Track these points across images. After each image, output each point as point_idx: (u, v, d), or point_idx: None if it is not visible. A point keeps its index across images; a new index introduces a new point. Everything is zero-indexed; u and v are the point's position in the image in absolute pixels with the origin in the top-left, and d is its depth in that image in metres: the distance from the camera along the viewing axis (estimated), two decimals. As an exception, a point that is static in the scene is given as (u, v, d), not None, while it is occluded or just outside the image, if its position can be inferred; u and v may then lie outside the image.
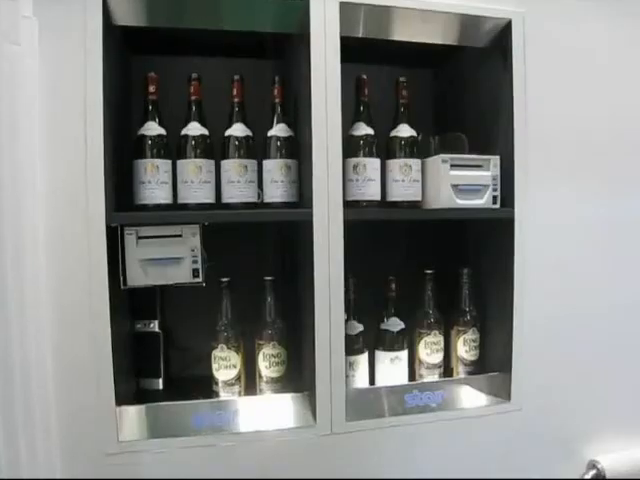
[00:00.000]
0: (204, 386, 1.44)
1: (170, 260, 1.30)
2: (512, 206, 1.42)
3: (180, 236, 1.31)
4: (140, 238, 1.28)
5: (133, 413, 1.30)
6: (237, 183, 1.33)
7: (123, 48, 1.42)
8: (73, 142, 1.18)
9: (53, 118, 1.18)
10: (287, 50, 1.46)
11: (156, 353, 1.52)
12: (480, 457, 1.44)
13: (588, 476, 1.52)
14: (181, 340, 1.58)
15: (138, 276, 1.29)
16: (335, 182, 1.29)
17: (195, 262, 1.31)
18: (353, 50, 1.29)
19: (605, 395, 1.54)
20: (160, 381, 1.52)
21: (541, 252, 1.44)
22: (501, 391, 1.46)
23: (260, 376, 1.43)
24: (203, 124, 1.35)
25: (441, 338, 1.53)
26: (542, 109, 1.42)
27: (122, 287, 1.28)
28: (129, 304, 1.47)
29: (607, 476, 1.51)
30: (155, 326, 1.52)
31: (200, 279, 1.33)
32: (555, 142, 1.45)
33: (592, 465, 1.53)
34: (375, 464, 1.39)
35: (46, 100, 1.17)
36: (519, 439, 1.47)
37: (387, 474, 1.39)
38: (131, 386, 1.47)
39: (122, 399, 1.28)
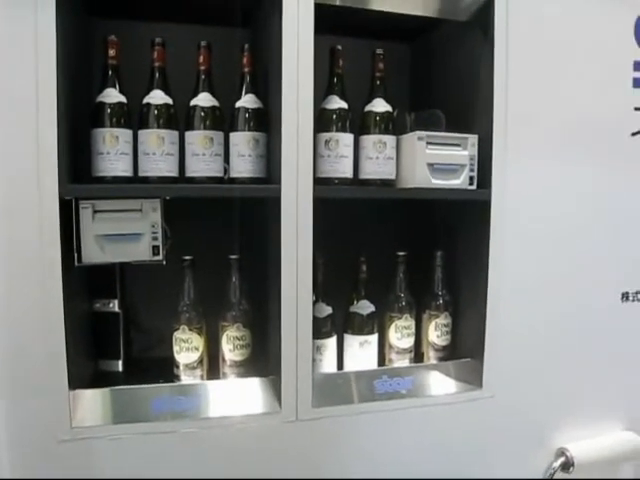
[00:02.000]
0: (166, 368, 1.39)
1: (128, 236, 1.24)
2: (489, 188, 1.37)
3: (140, 211, 1.24)
4: (96, 212, 1.22)
5: (88, 397, 1.23)
6: (202, 156, 1.27)
7: (83, 11, 1.34)
8: (23, 107, 1.10)
9: (1, 80, 1.09)
10: (258, 16, 1.39)
11: (115, 333, 1.46)
12: (451, 444, 1.42)
13: (557, 463, 1.52)
14: (142, 320, 1.53)
15: (94, 253, 1.22)
16: (305, 157, 1.23)
17: (155, 239, 1.25)
18: (328, 21, 1.22)
19: (574, 383, 1.53)
20: (120, 363, 1.47)
21: (517, 236, 1.41)
22: (473, 378, 1.44)
23: (224, 359, 1.38)
24: (167, 92, 1.27)
25: (412, 322, 1.50)
26: (523, 87, 1.37)
27: (77, 264, 1.21)
28: (87, 282, 1.40)
29: (576, 463, 1.51)
30: (115, 305, 1.46)
31: (160, 257, 1.26)
32: (536, 122, 1.41)
33: (561, 452, 1.53)
34: (342, 452, 1.35)
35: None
36: (490, 426, 1.44)
37: (354, 463, 1.36)
38: (89, 368, 1.41)
39: (78, 382, 1.22)
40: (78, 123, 1.23)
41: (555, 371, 1.50)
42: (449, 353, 1.51)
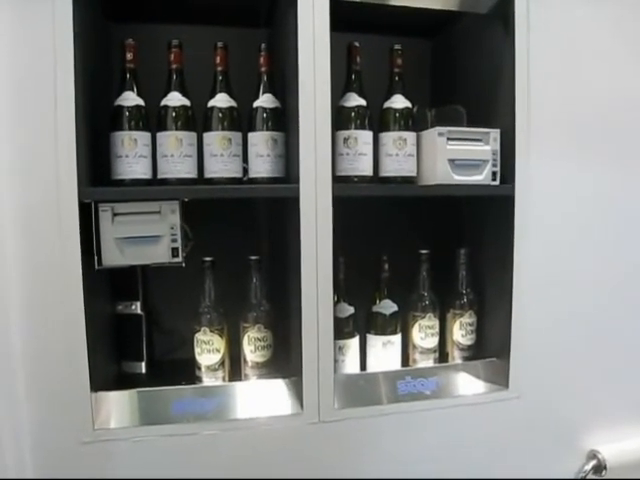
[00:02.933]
0: (188, 370, 1.38)
1: (148, 239, 1.24)
2: (512, 183, 1.34)
3: (159, 213, 1.24)
4: (116, 215, 1.21)
5: (110, 399, 1.24)
6: (220, 157, 1.26)
7: (101, 15, 1.35)
8: (42, 112, 1.11)
9: (20, 85, 1.11)
10: (274, 16, 1.38)
11: (138, 335, 1.47)
12: (477, 447, 1.39)
13: (588, 466, 1.48)
14: (164, 322, 1.53)
15: (114, 255, 1.22)
16: (324, 156, 1.22)
17: (174, 241, 1.25)
18: (345, 18, 1.20)
19: (604, 383, 1.49)
20: (143, 364, 1.48)
21: (542, 232, 1.37)
22: (499, 378, 1.40)
23: (245, 361, 1.38)
24: (184, 94, 1.27)
25: (436, 322, 1.47)
26: (545, 80, 1.34)
27: (97, 267, 1.21)
28: (110, 284, 1.41)
29: (608, 466, 1.47)
30: (137, 308, 1.46)
31: (179, 259, 1.26)
32: (558, 116, 1.37)
33: (592, 455, 1.49)
34: (365, 454, 1.34)
35: (12, 67, 1.10)
36: (517, 428, 1.41)
37: (378, 464, 1.34)
38: (112, 370, 1.42)
39: (102, 383, 1.23)
40: (98, 127, 1.24)
41: (584, 370, 1.46)
42: (474, 353, 1.48)
